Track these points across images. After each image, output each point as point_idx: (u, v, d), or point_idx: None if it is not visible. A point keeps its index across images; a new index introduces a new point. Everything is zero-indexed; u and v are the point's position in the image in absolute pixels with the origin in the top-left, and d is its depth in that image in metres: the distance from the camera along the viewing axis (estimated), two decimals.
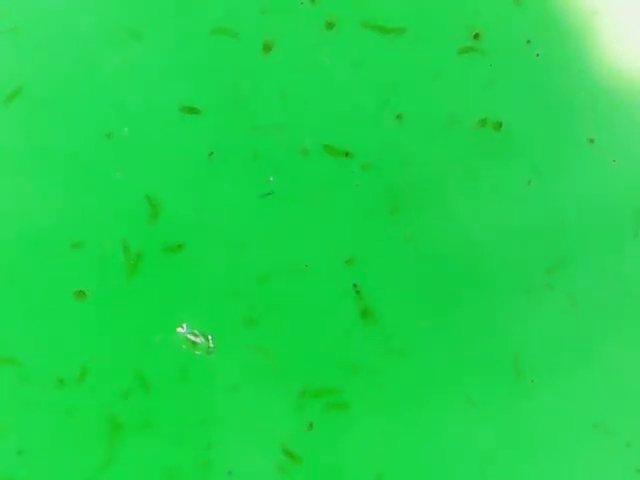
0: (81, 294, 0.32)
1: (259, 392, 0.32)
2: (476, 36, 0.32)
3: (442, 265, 0.32)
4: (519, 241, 0.32)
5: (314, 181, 0.32)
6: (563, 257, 0.32)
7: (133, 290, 0.32)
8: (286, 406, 0.32)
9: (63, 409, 0.31)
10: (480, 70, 0.32)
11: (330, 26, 0.32)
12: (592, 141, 0.32)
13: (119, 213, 0.32)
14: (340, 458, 0.32)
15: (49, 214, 0.32)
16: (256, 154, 0.32)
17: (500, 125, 0.32)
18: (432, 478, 0.32)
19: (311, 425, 0.30)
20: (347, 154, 0.32)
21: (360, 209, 0.32)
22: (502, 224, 0.32)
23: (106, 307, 0.32)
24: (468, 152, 0.32)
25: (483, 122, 0.32)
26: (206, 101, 0.32)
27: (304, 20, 0.32)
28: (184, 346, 0.31)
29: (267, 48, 0.32)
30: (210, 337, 0.31)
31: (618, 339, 0.32)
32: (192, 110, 0.32)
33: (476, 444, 0.32)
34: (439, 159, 0.32)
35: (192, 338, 0.31)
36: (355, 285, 0.32)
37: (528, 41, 0.32)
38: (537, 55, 0.32)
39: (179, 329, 0.31)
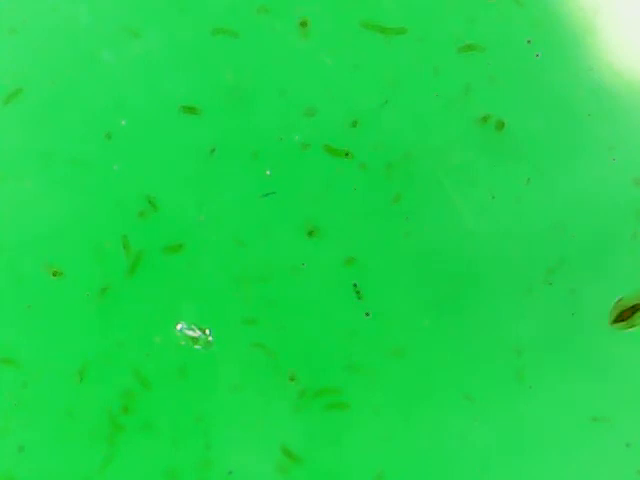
0: (81, 294, 0.32)
1: (259, 392, 0.32)
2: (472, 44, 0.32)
3: (442, 265, 0.32)
4: (519, 241, 0.32)
5: (314, 181, 0.32)
6: (563, 256, 0.32)
7: (133, 290, 0.32)
8: (286, 406, 0.32)
9: (63, 409, 0.32)
10: (480, 70, 0.32)
11: (330, 26, 0.32)
12: (592, 141, 0.32)
13: (119, 213, 0.32)
14: (340, 458, 0.32)
15: (48, 213, 0.32)
16: (256, 154, 0.32)
17: (500, 125, 0.32)
18: (432, 478, 0.32)
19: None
20: (347, 154, 0.32)
21: (360, 209, 0.32)
22: (502, 224, 0.32)
23: (106, 307, 0.32)
24: (468, 152, 0.32)
25: (483, 122, 0.32)
26: (206, 101, 0.32)
27: (304, 20, 0.32)
28: (183, 342, 0.31)
29: (267, 48, 0.32)
30: (208, 331, 0.31)
31: (618, 339, 0.32)
32: (192, 110, 0.32)
33: (476, 444, 0.32)
34: (439, 159, 0.32)
35: (191, 333, 0.31)
36: (355, 285, 0.32)
37: (528, 41, 0.32)
38: (537, 55, 0.32)
39: (178, 326, 0.31)
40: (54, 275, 0.32)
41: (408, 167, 0.32)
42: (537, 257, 0.32)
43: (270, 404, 0.32)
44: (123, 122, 0.32)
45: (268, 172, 0.32)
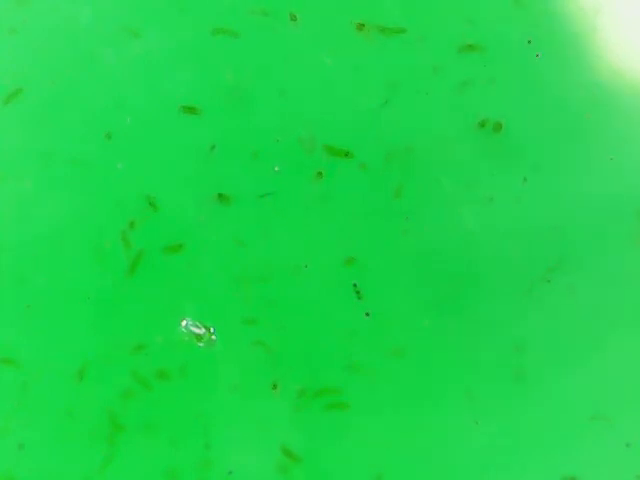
0: (81, 294, 0.32)
1: (259, 392, 0.32)
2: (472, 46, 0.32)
3: (442, 265, 0.32)
4: (519, 241, 0.32)
5: (314, 181, 0.32)
6: (563, 256, 0.32)
7: (133, 290, 0.32)
8: (286, 406, 0.32)
9: (63, 409, 0.32)
10: (480, 70, 0.32)
11: (330, 26, 0.32)
12: (592, 141, 0.32)
13: (119, 213, 0.32)
14: (340, 458, 0.32)
15: (48, 214, 0.32)
16: (256, 154, 0.32)
17: (500, 125, 0.32)
18: (432, 478, 0.32)
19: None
20: (347, 154, 0.32)
21: (360, 209, 0.32)
22: (502, 224, 0.32)
23: (106, 307, 0.32)
24: (468, 152, 0.32)
25: (483, 122, 0.32)
26: (206, 101, 0.32)
27: (304, 20, 0.32)
28: (186, 338, 0.31)
29: (267, 48, 0.32)
30: (212, 329, 0.31)
31: (618, 338, 0.32)
32: (192, 110, 0.32)
33: (476, 444, 0.32)
34: (439, 159, 0.32)
35: (195, 330, 0.31)
36: (355, 285, 0.32)
37: (528, 41, 0.32)
38: (537, 55, 0.32)
39: (182, 322, 0.31)
40: (54, 275, 0.32)
41: (408, 167, 0.32)
42: (537, 257, 0.32)
43: (270, 404, 0.32)
44: (128, 120, 0.32)
45: (277, 168, 0.32)
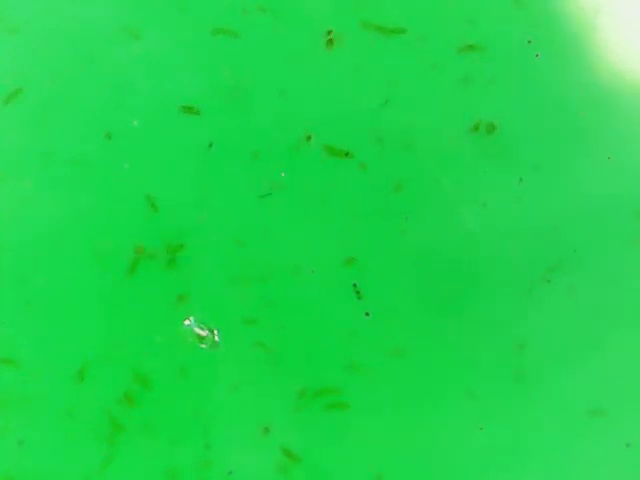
0: (81, 294, 0.32)
1: (259, 392, 0.32)
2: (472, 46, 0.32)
3: (442, 265, 0.32)
4: (519, 241, 0.32)
5: (314, 181, 0.32)
6: (563, 256, 0.32)
7: (133, 290, 0.32)
8: (286, 406, 0.32)
9: (63, 409, 0.32)
10: (480, 70, 0.32)
11: (330, 26, 0.32)
12: (592, 141, 0.32)
13: (118, 213, 0.32)
14: (340, 458, 0.32)
15: (48, 214, 0.32)
16: (255, 154, 0.32)
17: (500, 125, 0.32)
18: (432, 478, 0.32)
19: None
20: (347, 154, 0.32)
21: (360, 209, 0.32)
22: (502, 224, 0.32)
23: (106, 307, 0.32)
24: (468, 151, 0.32)
25: (483, 122, 0.32)
26: (206, 101, 0.32)
27: (304, 20, 0.32)
28: (190, 339, 0.31)
29: (267, 48, 0.32)
30: (216, 331, 0.31)
31: (618, 338, 0.32)
32: (192, 110, 0.32)
33: (476, 443, 0.32)
34: (439, 159, 0.32)
35: (198, 331, 0.31)
36: (355, 285, 0.32)
37: (528, 41, 0.32)
38: (537, 55, 0.32)
39: (186, 322, 0.31)
40: (54, 275, 0.32)
41: (408, 167, 0.32)
42: (537, 257, 0.32)
43: (270, 404, 0.32)
44: (135, 122, 0.32)
45: (283, 174, 0.32)
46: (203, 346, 0.31)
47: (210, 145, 0.31)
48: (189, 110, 0.32)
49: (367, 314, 0.32)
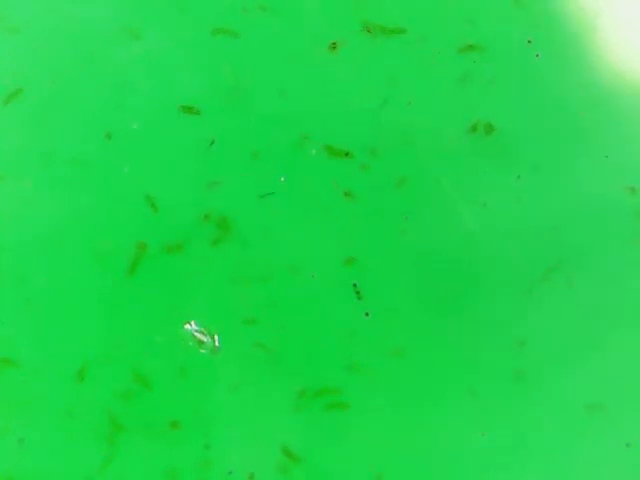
0: (81, 294, 0.32)
1: (259, 392, 0.32)
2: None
3: (442, 265, 0.32)
4: (519, 241, 0.32)
5: (314, 181, 0.32)
6: (563, 256, 0.32)
7: (133, 290, 0.32)
8: (286, 406, 0.32)
9: (63, 409, 0.32)
10: (480, 70, 0.32)
11: (330, 26, 0.32)
12: (592, 141, 0.32)
13: (118, 213, 0.32)
14: (340, 458, 0.32)
15: (48, 214, 0.32)
16: (256, 154, 0.32)
17: (500, 125, 0.32)
18: (432, 477, 0.32)
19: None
20: (347, 154, 0.32)
21: (360, 209, 0.32)
22: (502, 224, 0.32)
23: (106, 307, 0.32)
24: (468, 151, 0.32)
25: (483, 122, 0.32)
26: (206, 101, 0.32)
27: (304, 20, 0.32)
28: (190, 343, 0.31)
29: (267, 48, 0.32)
30: (216, 336, 0.31)
31: (618, 338, 0.32)
32: (192, 110, 0.32)
33: (476, 443, 0.32)
34: (439, 159, 0.32)
35: (199, 336, 0.31)
36: (355, 285, 0.32)
37: (528, 41, 0.32)
38: (537, 55, 0.32)
39: (186, 326, 0.31)
40: (54, 275, 0.32)
41: (408, 167, 0.32)
42: (537, 257, 0.32)
43: (270, 404, 0.32)
44: (135, 125, 0.32)
45: (282, 179, 0.32)
46: (203, 351, 0.31)
47: (212, 142, 0.31)
48: (189, 110, 0.32)
49: (367, 314, 0.32)
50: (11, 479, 0.32)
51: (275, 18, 0.32)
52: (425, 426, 0.32)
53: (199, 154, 0.32)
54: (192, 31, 0.32)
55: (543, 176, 0.32)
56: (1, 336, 0.32)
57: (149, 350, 0.32)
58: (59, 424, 0.32)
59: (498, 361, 0.32)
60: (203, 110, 0.32)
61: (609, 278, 0.32)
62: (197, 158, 0.32)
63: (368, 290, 0.32)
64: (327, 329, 0.32)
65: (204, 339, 0.31)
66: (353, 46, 0.32)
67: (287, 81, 0.32)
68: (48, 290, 0.32)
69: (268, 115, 0.32)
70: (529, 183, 0.32)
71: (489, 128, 0.32)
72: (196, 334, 0.31)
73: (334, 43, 0.32)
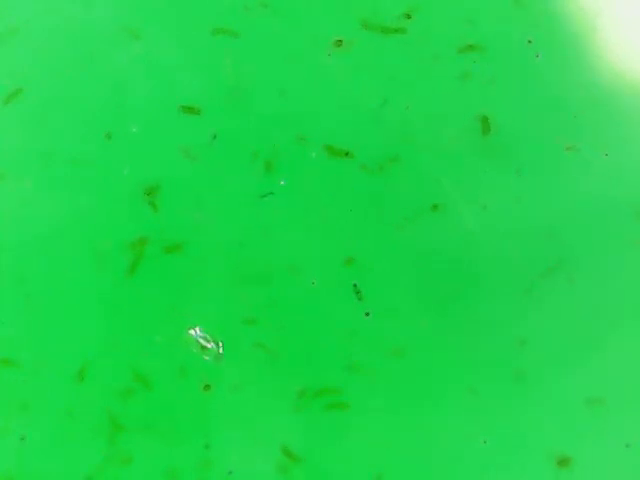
0: (81, 294, 0.32)
1: (259, 392, 0.32)
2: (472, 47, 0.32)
3: (442, 265, 0.32)
4: (519, 240, 0.32)
5: (314, 181, 0.32)
6: (563, 256, 0.32)
7: (133, 290, 0.32)
8: (286, 406, 0.32)
9: (63, 409, 0.32)
10: (480, 70, 0.32)
11: (330, 26, 0.32)
12: (592, 141, 0.32)
13: (118, 213, 0.32)
14: (340, 458, 0.32)
15: (48, 214, 0.32)
16: (256, 154, 0.32)
17: (499, 125, 0.32)
18: (432, 477, 0.32)
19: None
20: (347, 154, 0.32)
21: (360, 209, 0.32)
22: (502, 224, 0.32)
23: (106, 307, 0.32)
24: (468, 151, 0.32)
25: (483, 121, 0.32)
26: (206, 101, 0.32)
27: (304, 20, 0.32)
28: (194, 350, 0.31)
29: (267, 47, 0.32)
30: (221, 343, 0.31)
31: (618, 338, 0.32)
32: (192, 110, 0.32)
33: (476, 444, 0.32)
34: (439, 159, 0.32)
35: (203, 342, 0.31)
36: (355, 285, 0.32)
37: (528, 41, 0.32)
38: (537, 55, 0.32)
39: (191, 331, 0.31)
40: (54, 275, 0.32)
41: (408, 167, 0.32)
42: (537, 257, 0.32)
43: (270, 404, 0.32)
44: (134, 129, 0.32)
45: (282, 182, 0.32)
46: (206, 358, 0.31)
47: (212, 142, 0.31)
48: (189, 110, 0.32)
49: (367, 314, 0.32)
50: (11, 479, 0.32)
51: (275, 17, 0.32)
52: (425, 426, 0.32)
53: (199, 154, 0.32)
54: (192, 31, 0.32)
55: (543, 176, 0.32)
56: (1, 336, 0.32)
57: (149, 350, 0.32)
58: (59, 424, 0.32)
59: (498, 361, 0.32)
60: (203, 110, 0.32)
61: (609, 278, 0.32)
62: (197, 158, 0.32)
63: (368, 290, 0.32)
64: (327, 329, 0.32)
65: (208, 345, 0.31)
66: (353, 46, 0.32)
67: (287, 81, 0.32)
68: (48, 290, 0.32)
69: (268, 115, 0.32)
70: (529, 183, 0.32)
71: (489, 128, 0.32)
72: (200, 340, 0.31)
73: (339, 40, 0.32)
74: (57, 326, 0.32)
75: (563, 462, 0.32)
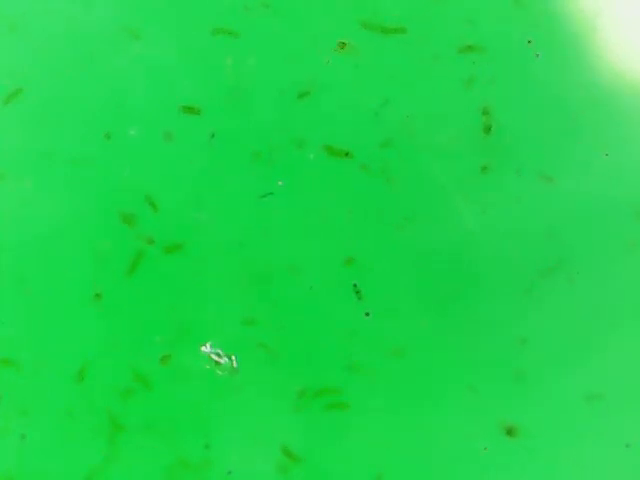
0: (81, 294, 0.32)
1: (259, 392, 0.32)
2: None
3: (442, 265, 0.32)
4: (519, 241, 0.32)
5: (314, 181, 0.32)
6: (563, 256, 0.32)
7: (133, 290, 0.32)
8: (286, 406, 0.32)
9: (63, 409, 0.32)
10: (480, 70, 0.32)
11: (330, 26, 0.32)
12: (592, 141, 0.32)
13: (118, 213, 0.32)
14: (340, 458, 0.32)
15: (48, 214, 0.32)
16: (256, 154, 0.32)
17: (500, 125, 0.32)
18: (432, 478, 0.32)
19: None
20: (347, 154, 0.32)
21: (360, 209, 0.32)
22: (502, 224, 0.32)
23: (106, 307, 0.32)
24: (468, 151, 0.32)
25: (483, 121, 0.32)
26: (206, 101, 0.32)
27: (304, 19, 0.32)
28: (207, 366, 0.31)
29: (267, 48, 0.32)
30: (234, 357, 0.31)
31: (618, 338, 0.32)
32: (192, 110, 0.32)
33: (476, 444, 0.32)
34: (440, 159, 0.32)
35: (216, 358, 0.31)
36: (355, 285, 0.32)
37: (528, 41, 0.32)
38: (537, 55, 0.32)
39: (203, 348, 0.31)
40: (54, 275, 0.32)
41: (408, 167, 0.32)
42: (537, 256, 0.32)
43: (270, 404, 0.32)
44: (132, 132, 0.32)
45: (280, 182, 0.32)
46: (220, 373, 0.31)
47: (212, 143, 0.31)
48: (189, 110, 0.32)
49: (367, 314, 0.32)
50: (11, 479, 0.32)
51: (276, 17, 0.32)
52: (425, 426, 0.32)
53: (199, 154, 0.32)
54: (192, 31, 0.32)
55: (543, 176, 0.32)
56: (1, 336, 0.32)
57: (149, 350, 0.32)
58: (59, 424, 0.32)
59: (498, 361, 0.32)
60: (203, 110, 0.32)
61: (609, 278, 0.32)
62: (197, 158, 0.32)
63: (368, 290, 0.32)
64: (327, 329, 0.32)
65: (221, 361, 0.31)
66: (353, 46, 0.32)
67: (287, 81, 0.32)
68: (48, 290, 0.32)
69: (268, 115, 0.32)
70: (529, 183, 0.32)
71: (489, 128, 0.32)
72: (213, 356, 0.31)
73: (343, 43, 0.32)
74: (57, 326, 0.32)
75: (563, 462, 0.32)
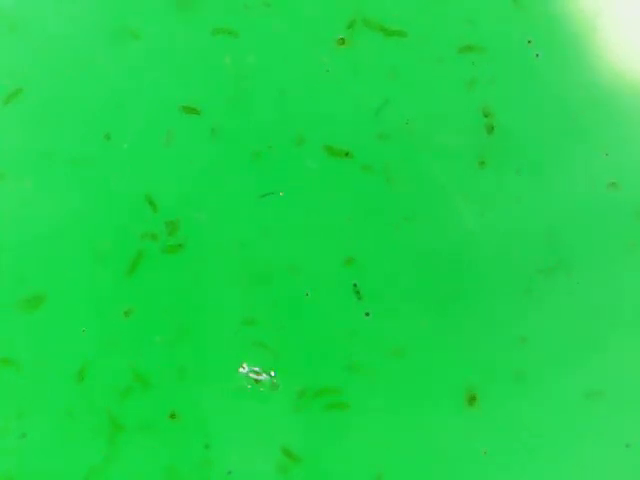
0: (81, 294, 0.32)
1: (259, 392, 0.32)
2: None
3: (442, 265, 0.32)
4: (519, 240, 0.32)
5: (314, 181, 0.32)
6: (563, 255, 0.32)
7: (133, 290, 0.32)
8: (286, 406, 0.32)
9: (63, 409, 0.32)
10: (480, 70, 0.32)
11: (330, 26, 0.32)
12: (592, 141, 0.32)
13: (118, 213, 0.32)
14: (340, 458, 0.32)
15: (48, 214, 0.32)
16: (256, 154, 0.32)
17: (500, 125, 0.32)
18: (432, 478, 0.32)
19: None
20: (347, 154, 0.32)
21: (360, 209, 0.32)
22: (502, 224, 0.32)
23: (106, 306, 0.32)
24: (468, 151, 0.32)
25: (483, 121, 0.32)
26: (206, 101, 0.32)
27: (305, 20, 0.32)
28: (249, 386, 0.31)
29: (267, 48, 0.32)
30: (273, 373, 0.31)
31: (618, 338, 0.32)
32: (192, 110, 0.32)
33: (476, 444, 0.32)
34: (439, 158, 0.32)
35: (255, 377, 0.31)
36: (355, 285, 0.32)
37: (528, 41, 0.32)
38: (537, 55, 0.32)
39: (240, 370, 0.31)
40: (54, 275, 0.32)
41: (408, 167, 0.32)
42: (537, 256, 0.32)
43: (270, 404, 0.32)
44: (135, 126, 0.32)
45: (282, 194, 0.32)
46: (262, 390, 0.31)
47: (212, 143, 0.31)
48: (189, 110, 0.32)
49: (367, 314, 0.32)
50: (11, 479, 0.32)
51: (276, 17, 0.32)
52: (425, 426, 0.32)
53: (199, 154, 0.32)
54: (192, 31, 0.32)
55: (543, 176, 0.32)
56: (1, 336, 0.32)
57: (149, 350, 0.32)
58: (59, 424, 0.32)
59: (498, 360, 0.32)
60: (203, 110, 0.32)
61: (609, 277, 0.32)
62: (197, 158, 0.32)
63: (368, 290, 0.32)
64: (327, 329, 0.32)
65: (261, 378, 0.31)
66: (353, 46, 0.32)
67: (287, 81, 0.32)
68: (48, 290, 0.32)
69: (268, 115, 0.32)
70: (529, 183, 0.32)
71: (489, 128, 0.32)
72: (252, 375, 0.31)
73: (342, 39, 0.32)
74: (57, 326, 0.32)
75: (563, 462, 0.32)
